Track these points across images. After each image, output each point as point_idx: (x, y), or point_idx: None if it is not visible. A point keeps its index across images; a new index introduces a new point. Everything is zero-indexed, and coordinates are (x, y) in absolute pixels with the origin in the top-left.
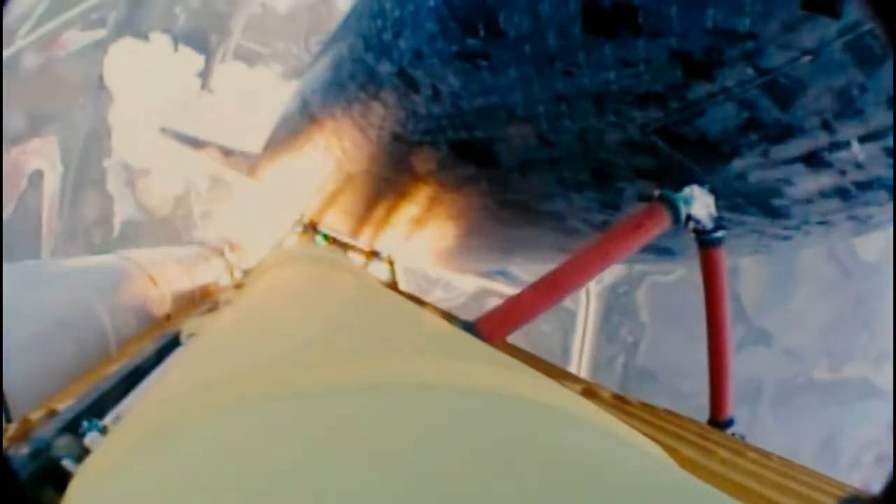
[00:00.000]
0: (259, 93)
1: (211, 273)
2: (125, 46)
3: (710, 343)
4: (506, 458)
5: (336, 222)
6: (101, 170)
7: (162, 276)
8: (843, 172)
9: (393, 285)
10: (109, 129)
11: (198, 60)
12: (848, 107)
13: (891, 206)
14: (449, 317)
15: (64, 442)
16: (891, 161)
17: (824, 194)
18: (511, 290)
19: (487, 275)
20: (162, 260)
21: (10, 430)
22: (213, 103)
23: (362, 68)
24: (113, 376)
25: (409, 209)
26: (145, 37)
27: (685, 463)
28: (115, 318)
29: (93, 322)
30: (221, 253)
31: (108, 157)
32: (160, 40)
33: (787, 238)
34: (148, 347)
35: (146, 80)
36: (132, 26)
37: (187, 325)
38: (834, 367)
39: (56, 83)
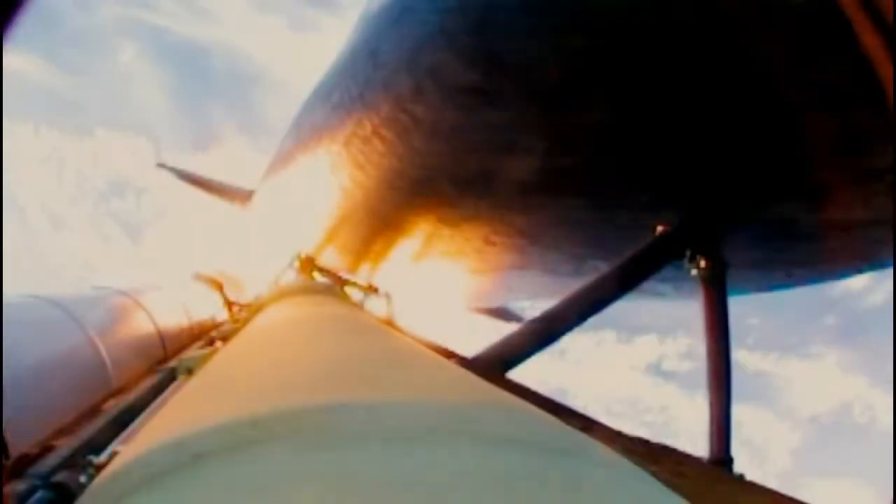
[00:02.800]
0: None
1: (208, 308)
2: None
3: (710, 385)
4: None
5: (334, 257)
6: None
7: (159, 310)
8: None
9: (390, 321)
10: None
11: None
12: None
13: None
14: (447, 353)
15: (62, 478)
16: None
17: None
18: (510, 326)
19: (488, 309)
20: (159, 294)
21: (9, 466)
22: None
23: (361, 105)
24: (110, 412)
25: (408, 244)
26: None
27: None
28: (112, 353)
29: (91, 357)
30: (220, 287)
31: None
32: None
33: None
34: (145, 383)
35: None
36: None
37: (184, 361)
38: None
39: None
